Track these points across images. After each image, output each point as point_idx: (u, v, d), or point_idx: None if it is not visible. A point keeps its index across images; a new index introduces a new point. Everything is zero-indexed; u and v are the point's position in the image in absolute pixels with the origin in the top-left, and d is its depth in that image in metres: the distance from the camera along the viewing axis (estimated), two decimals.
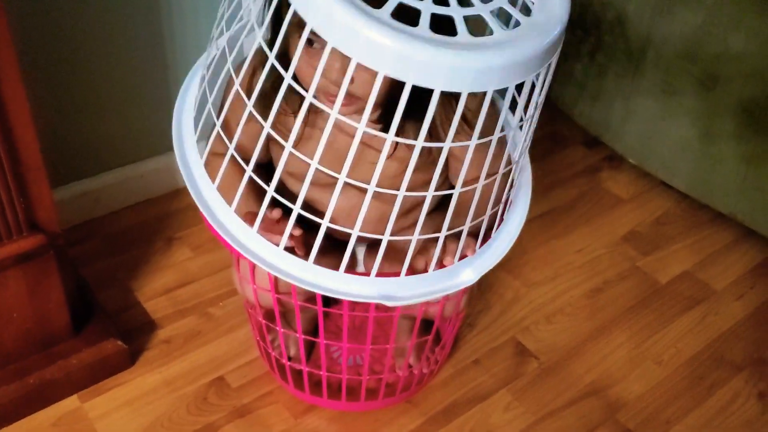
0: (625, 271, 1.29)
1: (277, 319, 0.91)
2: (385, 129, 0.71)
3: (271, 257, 0.78)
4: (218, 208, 0.81)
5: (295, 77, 0.70)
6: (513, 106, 0.74)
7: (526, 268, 1.27)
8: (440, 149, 0.87)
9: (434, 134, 0.81)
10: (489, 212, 0.80)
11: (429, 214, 0.91)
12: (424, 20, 0.65)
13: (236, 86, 0.74)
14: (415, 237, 0.75)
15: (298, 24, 0.67)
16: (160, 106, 1.20)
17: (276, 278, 0.86)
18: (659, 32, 1.29)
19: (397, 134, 0.81)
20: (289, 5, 0.66)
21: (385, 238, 0.74)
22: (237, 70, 0.75)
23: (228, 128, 0.78)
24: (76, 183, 1.22)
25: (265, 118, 0.71)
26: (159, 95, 1.20)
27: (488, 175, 0.76)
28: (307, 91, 0.69)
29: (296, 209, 0.73)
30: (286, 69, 0.68)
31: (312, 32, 0.65)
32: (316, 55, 0.72)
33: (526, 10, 0.73)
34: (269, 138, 0.79)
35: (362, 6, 0.64)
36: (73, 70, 1.13)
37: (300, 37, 0.67)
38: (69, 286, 0.96)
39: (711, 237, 1.36)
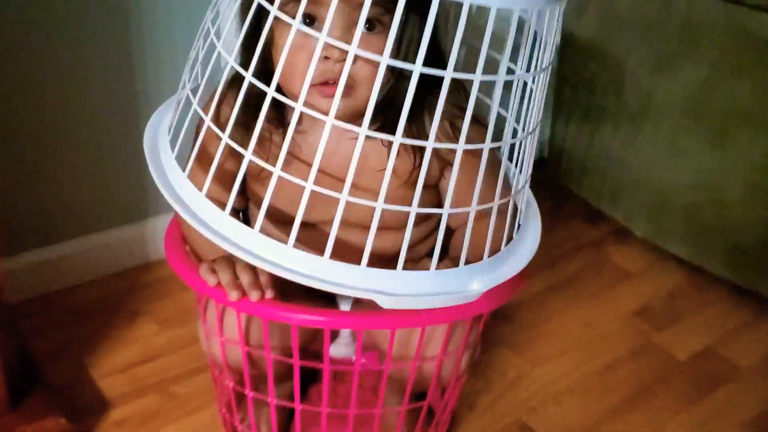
0: (638, 347, 1.17)
1: (247, 382, 0.78)
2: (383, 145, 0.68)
3: (248, 242, 0.66)
4: (190, 197, 0.69)
5: (277, 89, 0.62)
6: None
7: (530, 344, 1.15)
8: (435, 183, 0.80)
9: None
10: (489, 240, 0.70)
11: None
12: None
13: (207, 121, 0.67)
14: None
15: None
16: (130, 172, 1.13)
17: (247, 328, 0.75)
18: (660, 91, 1.23)
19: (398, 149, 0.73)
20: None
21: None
22: (207, 108, 0.68)
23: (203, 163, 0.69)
24: (34, 251, 1.12)
25: (243, 148, 0.64)
26: (129, 160, 1.12)
27: (483, 200, 0.67)
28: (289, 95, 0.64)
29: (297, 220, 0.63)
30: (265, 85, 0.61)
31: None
32: (308, 40, 0.64)
33: None
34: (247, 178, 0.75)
35: None
36: (37, 129, 1.06)
37: (288, 25, 0.60)
38: (7, 349, 0.84)
39: (730, 312, 1.25)
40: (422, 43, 0.58)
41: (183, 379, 1.02)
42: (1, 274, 0.81)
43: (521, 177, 0.76)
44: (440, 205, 0.80)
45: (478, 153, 0.65)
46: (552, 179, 1.54)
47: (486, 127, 0.66)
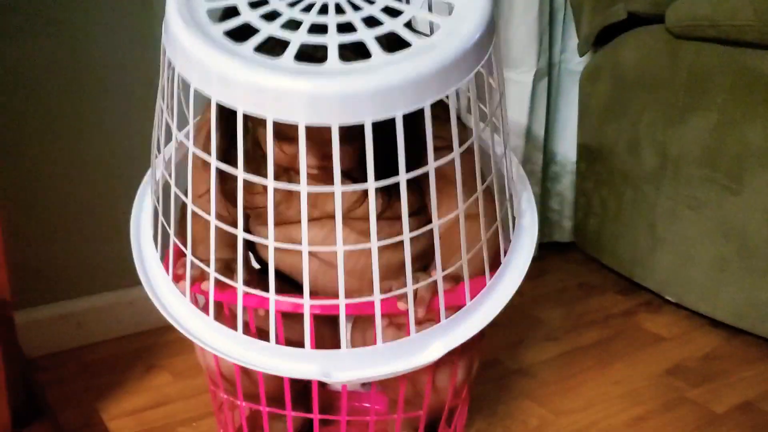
0: (672, 401, 1.10)
1: (239, 392, 0.77)
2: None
3: (201, 329, 0.71)
4: (151, 266, 0.78)
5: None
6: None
7: (554, 398, 1.10)
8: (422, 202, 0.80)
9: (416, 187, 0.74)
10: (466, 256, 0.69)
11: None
12: (290, 52, 0.59)
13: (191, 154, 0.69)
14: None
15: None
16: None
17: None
18: (674, 145, 1.24)
19: (384, 196, 0.75)
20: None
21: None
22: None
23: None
24: (56, 304, 1.14)
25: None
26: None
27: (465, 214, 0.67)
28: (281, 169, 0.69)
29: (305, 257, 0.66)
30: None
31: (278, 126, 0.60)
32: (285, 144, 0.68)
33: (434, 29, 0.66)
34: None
35: (228, 46, 0.60)
36: (61, 184, 1.12)
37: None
38: (12, 368, 0.85)
39: None
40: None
41: (190, 421, 1.01)
42: (6, 285, 0.83)
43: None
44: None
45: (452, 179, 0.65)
46: (581, 253, 1.52)
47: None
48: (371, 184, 0.60)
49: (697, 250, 1.25)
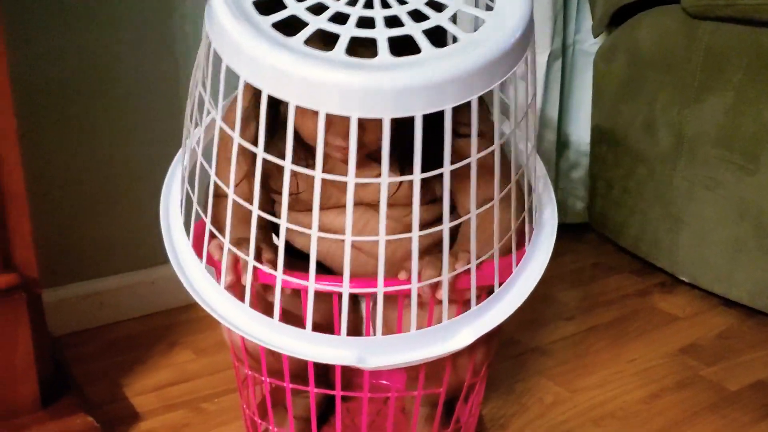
0: (686, 379, 1.11)
1: (263, 366, 0.78)
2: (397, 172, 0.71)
3: (235, 314, 0.72)
4: (182, 250, 0.78)
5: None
6: None
7: (569, 375, 1.11)
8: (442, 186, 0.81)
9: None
10: (497, 244, 0.71)
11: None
12: (341, 45, 0.60)
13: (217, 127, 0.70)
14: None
15: None
16: None
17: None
18: (690, 125, 1.24)
19: (402, 170, 0.76)
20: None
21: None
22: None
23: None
24: (79, 284, 1.16)
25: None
26: None
27: (487, 200, 0.69)
28: (309, 145, 0.70)
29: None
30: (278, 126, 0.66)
31: None
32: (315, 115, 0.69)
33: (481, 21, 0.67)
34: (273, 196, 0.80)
35: (279, 39, 0.60)
36: (89, 166, 1.13)
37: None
38: (41, 343, 0.87)
39: None
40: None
41: (213, 397, 1.03)
42: (33, 264, 0.85)
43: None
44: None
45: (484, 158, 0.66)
46: (595, 234, 1.53)
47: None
48: (417, 176, 0.62)
49: (712, 231, 1.25)
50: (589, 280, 1.42)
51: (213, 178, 0.70)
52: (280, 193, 0.81)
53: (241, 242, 0.72)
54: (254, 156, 0.64)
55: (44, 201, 1.09)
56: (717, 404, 1.05)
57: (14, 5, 1.00)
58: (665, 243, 1.35)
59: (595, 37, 1.42)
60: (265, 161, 0.63)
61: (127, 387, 1.04)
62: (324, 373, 0.89)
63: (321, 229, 0.66)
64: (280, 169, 0.63)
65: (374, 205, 0.79)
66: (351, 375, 0.94)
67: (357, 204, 0.79)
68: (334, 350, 0.69)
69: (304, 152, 0.75)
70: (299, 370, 0.76)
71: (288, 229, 0.87)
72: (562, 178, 1.55)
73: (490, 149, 0.65)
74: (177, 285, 1.26)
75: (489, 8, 0.66)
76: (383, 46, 0.60)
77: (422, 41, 0.61)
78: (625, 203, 1.41)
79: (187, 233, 0.78)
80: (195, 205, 0.75)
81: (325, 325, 0.73)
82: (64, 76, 1.08)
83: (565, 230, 1.53)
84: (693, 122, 1.24)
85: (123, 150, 1.15)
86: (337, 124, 0.64)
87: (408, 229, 0.66)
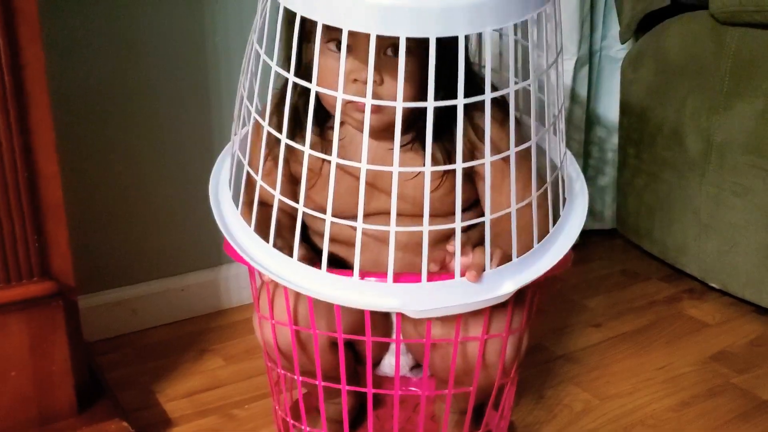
0: (716, 387, 1.10)
1: (296, 363, 0.79)
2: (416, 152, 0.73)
3: (283, 269, 0.73)
4: (237, 231, 0.79)
5: (317, 103, 0.70)
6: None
7: (598, 383, 1.11)
8: (470, 173, 0.82)
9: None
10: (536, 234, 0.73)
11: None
12: None
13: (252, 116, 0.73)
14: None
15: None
16: (207, 219, 1.19)
17: (295, 311, 0.77)
18: (719, 132, 1.24)
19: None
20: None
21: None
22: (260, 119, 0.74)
23: (252, 181, 0.76)
24: (111, 291, 1.18)
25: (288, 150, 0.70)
26: (204, 207, 1.20)
27: (519, 196, 0.70)
28: (331, 110, 0.72)
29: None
30: (307, 98, 0.68)
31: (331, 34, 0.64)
32: (337, 59, 0.72)
33: None
34: (293, 179, 0.81)
35: None
36: (118, 176, 1.15)
37: (322, 42, 0.67)
38: (77, 350, 0.89)
39: None
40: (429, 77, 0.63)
41: (244, 404, 1.04)
42: (70, 272, 0.87)
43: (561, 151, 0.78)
44: (478, 192, 0.83)
45: (507, 148, 0.69)
46: (623, 240, 1.52)
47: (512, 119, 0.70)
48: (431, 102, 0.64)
49: (742, 237, 1.24)
50: (617, 286, 1.41)
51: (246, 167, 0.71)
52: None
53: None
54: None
55: (78, 209, 1.11)
56: (749, 413, 1.04)
57: (58, 33, 1.03)
58: (694, 249, 1.34)
59: (622, 44, 1.41)
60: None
61: (160, 393, 1.06)
62: (354, 373, 0.90)
63: (345, 236, 0.67)
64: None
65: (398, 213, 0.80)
66: (381, 382, 0.94)
67: (370, 184, 0.81)
68: (378, 298, 0.70)
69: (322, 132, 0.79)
70: (330, 369, 0.77)
71: (306, 224, 0.88)
72: (589, 183, 1.53)
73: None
74: (207, 292, 1.29)
75: None
76: None
77: None
78: (654, 209, 1.40)
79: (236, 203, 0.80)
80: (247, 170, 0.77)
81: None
82: (102, 89, 1.10)
83: (592, 236, 1.54)
84: (722, 129, 1.23)
85: (156, 159, 1.17)
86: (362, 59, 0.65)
87: (433, 236, 0.67)
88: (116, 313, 1.18)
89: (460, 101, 0.64)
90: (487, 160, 0.67)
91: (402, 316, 0.73)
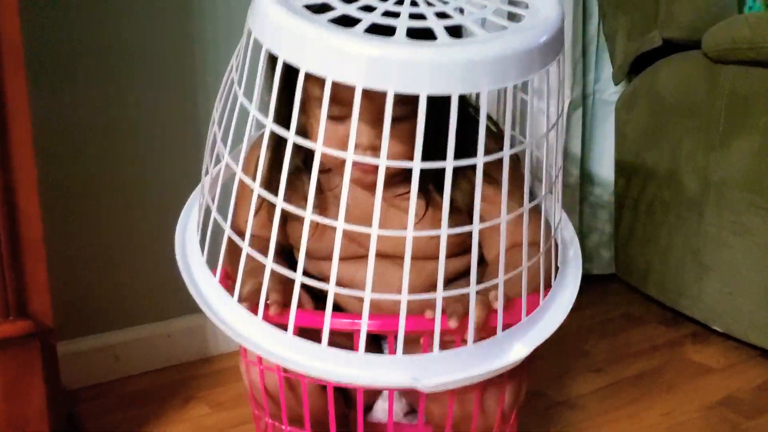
0: None
1: (283, 409, 0.75)
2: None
3: (276, 344, 0.67)
4: (218, 300, 0.72)
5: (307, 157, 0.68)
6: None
7: (600, 430, 1.07)
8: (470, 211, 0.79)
9: (463, 201, 0.75)
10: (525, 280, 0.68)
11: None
12: (400, 32, 0.60)
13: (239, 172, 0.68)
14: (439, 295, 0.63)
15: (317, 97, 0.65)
16: None
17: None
18: (716, 171, 1.22)
19: (427, 199, 0.75)
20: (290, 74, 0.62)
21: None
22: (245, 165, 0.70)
23: (238, 224, 0.72)
24: (93, 336, 1.14)
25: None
26: None
27: (516, 242, 0.68)
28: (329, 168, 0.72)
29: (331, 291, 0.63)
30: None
31: (334, 103, 0.60)
32: (339, 125, 0.69)
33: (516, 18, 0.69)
34: (285, 221, 0.78)
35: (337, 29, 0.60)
36: (103, 218, 1.13)
37: (319, 109, 0.63)
38: (54, 395, 0.85)
39: None
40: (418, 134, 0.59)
41: None
42: (48, 313, 0.83)
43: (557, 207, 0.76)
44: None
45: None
46: (622, 284, 1.49)
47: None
48: (450, 164, 0.60)
49: (744, 278, 1.22)
50: (616, 331, 1.37)
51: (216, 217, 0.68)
52: (294, 238, 0.80)
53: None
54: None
55: (60, 250, 1.08)
56: None
57: (38, 63, 1.01)
58: (695, 291, 1.31)
59: (615, 85, 1.41)
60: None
61: None
62: (344, 418, 0.85)
63: (340, 281, 0.64)
64: (291, 216, 0.62)
65: (393, 257, 0.77)
66: (373, 427, 0.90)
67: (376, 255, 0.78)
68: (387, 372, 0.65)
69: (319, 193, 0.75)
70: (320, 414, 0.73)
71: (295, 237, 0.84)
72: (586, 228, 1.52)
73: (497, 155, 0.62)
74: (193, 338, 1.25)
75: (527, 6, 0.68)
76: (441, 32, 0.60)
77: (475, 28, 0.62)
78: (652, 252, 1.38)
79: (202, 249, 0.75)
80: (214, 214, 0.72)
81: None
82: (84, 127, 1.08)
83: (591, 281, 1.51)
84: (719, 167, 1.22)
85: (140, 200, 1.14)
86: (362, 125, 0.61)
87: (431, 280, 0.64)
88: (98, 360, 1.14)
89: (449, 163, 0.60)
90: (503, 220, 0.64)
91: None
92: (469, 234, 0.76)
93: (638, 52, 1.33)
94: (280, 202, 0.62)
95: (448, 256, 0.71)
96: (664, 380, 1.20)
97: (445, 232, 0.62)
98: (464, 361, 0.66)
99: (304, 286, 0.66)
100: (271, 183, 0.66)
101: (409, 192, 0.74)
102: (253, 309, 0.67)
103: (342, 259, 0.67)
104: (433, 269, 0.65)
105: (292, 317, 0.65)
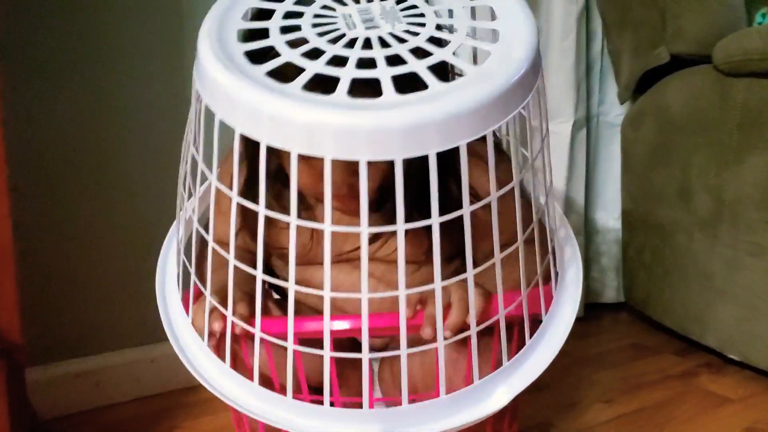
0: None
1: None
2: (386, 214, 0.64)
3: (243, 394, 0.66)
4: (180, 327, 0.73)
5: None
6: None
7: None
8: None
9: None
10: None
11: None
12: (342, 87, 0.56)
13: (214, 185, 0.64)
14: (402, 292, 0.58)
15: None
16: None
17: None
18: (730, 189, 1.17)
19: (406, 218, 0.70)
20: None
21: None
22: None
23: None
24: (72, 361, 1.08)
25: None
26: None
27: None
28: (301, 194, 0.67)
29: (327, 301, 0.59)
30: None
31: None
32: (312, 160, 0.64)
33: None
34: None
35: (271, 84, 0.56)
36: (83, 236, 1.08)
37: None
38: (20, 422, 0.78)
39: None
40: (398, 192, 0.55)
41: None
42: (17, 328, 0.77)
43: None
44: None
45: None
46: (631, 313, 1.43)
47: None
48: (435, 220, 0.56)
49: (762, 302, 1.15)
50: (627, 361, 1.31)
51: (211, 244, 0.63)
52: (274, 247, 0.75)
53: (242, 298, 0.65)
54: (245, 211, 0.59)
55: (35, 270, 1.02)
56: None
57: (17, 77, 0.97)
58: (709, 318, 1.24)
59: (621, 104, 1.38)
60: (252, 215, 0.58)
61: None
62: None
63: (308, 283, 0.61)
64: (272, 222, 0.58)
65: (380, 260, 0.73)
66: None
67: (343, 261, 0.72)
68: (357, 426, 0.62)
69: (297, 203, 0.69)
70: None
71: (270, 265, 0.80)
72: (592, 254, 1.47)
73: (509, 186, 0.59)
74: (178, 364, 1.17)
75: (496, 39, 0.62)
76: (387, 85, 0.55)
77: (429, 77, 0.56)
78: (663, 277, 1.32)
79: (186, 309, 0.72)
80: (193, 277, 0.69)
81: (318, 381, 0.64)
82: (62, 149, 1.04)
83: (598, 310, 1.45)
84: (733, 185, 1.16)
85: (122, 220, 1.10)
86: (332, 172, 0.56)
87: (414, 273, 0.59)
88: (77, 386, 1.07)
89: (435, 220, 0.56)
90: (497, 259, 0.60)
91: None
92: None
93: (645, 69, 1.29)
94: (263, 211, 0.58)
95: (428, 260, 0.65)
96: (680, 411, 1.13)
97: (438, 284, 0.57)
98: (439, 412, 0.62)
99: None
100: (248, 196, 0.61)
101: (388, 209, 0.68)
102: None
103: (313, 263, 0.62)
104: (425, 273, 0.62)
105: (257, 363, 0.63)
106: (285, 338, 0.61)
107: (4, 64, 0.76)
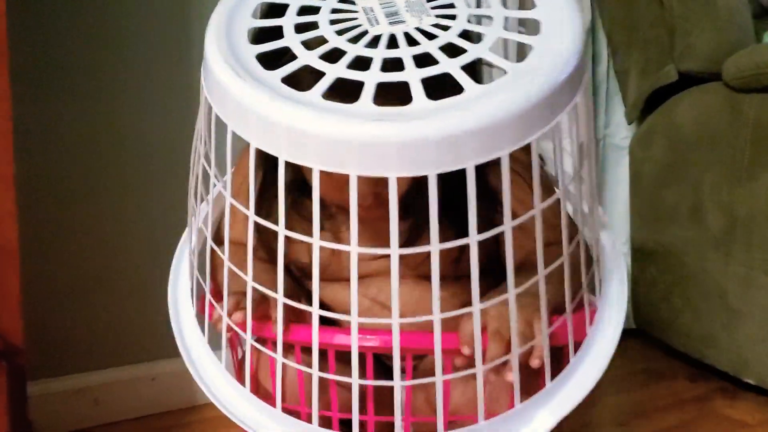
0: None
1: None
2: (414, 223, 0.61)
3: (263, 421, 0.63)
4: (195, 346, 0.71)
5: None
6: None
7: None
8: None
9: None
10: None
11: None
12: (367, 93, 0.51)
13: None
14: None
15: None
16: None
17: None
18: (743, 205, 1.16)
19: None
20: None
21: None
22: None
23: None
24: (71, 377, 1.06)
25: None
26: None
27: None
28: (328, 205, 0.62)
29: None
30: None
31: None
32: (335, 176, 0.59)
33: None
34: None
35: (288, 92, 0.52)
36: (88, 252, 1.07)
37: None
38: (19, 427, 0.75)
39: None
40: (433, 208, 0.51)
41: None
42: (19, 331, 0.75)
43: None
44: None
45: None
46: (642, 338, 1.40)
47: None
48: (474, 237, 0.52)
49: None
50: (639, 386, 1.28)
51: (227, 263, 0.60)
52: (290, 259, 0.71)
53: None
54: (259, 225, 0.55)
55: (36, 282, 1.00)
56: None
57: (24, 75, 0.96)
58: (723, 339, 1.22)
59: (629, 123, 1.37)
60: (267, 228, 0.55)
61: None
62: None
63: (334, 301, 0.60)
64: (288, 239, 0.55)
65: (402, 278, 0.69)
66: None
67: (372, 276, 0.69)
68: None
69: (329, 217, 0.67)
70: None
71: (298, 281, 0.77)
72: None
73: (552, 199, 0.55)
74: (181, 382, 1.14)
75: (538, 30, 0.58)
76: (417, 90, 0.51)
77: (463, 78, 0.52)
78: (674, 298, 1.30)
79: (201, 328, 0.69)
80: (208, 296, 0.66)
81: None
82: (67, 152, 1.04)
83: None
84: (746, 201, 1.16)
85: (125, 230, 1.09)
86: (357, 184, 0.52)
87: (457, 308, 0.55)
88: (75, 403, 1.06)
89: (473, 238, 0.52)
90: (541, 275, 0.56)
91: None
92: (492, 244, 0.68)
93: (653, 87, 1.29)
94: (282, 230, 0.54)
95: (462, 275, 0.62)
96: None
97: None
98: None
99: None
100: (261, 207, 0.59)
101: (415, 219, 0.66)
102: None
103: (341, 279, 0.60)
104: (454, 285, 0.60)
105: (279, 385, 0.59)
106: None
107: (15, 67, 0.75)
